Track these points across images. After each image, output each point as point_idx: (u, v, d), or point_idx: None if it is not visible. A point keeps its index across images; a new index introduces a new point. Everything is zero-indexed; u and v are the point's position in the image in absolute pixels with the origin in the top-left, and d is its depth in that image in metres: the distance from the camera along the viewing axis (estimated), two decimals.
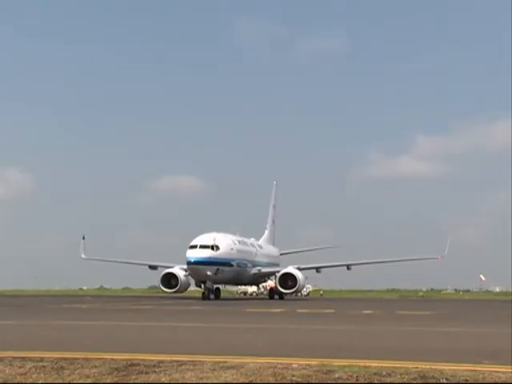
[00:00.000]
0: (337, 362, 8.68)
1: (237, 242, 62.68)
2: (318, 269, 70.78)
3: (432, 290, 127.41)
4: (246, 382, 7.25)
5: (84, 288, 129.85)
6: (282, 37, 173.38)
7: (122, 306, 37.70)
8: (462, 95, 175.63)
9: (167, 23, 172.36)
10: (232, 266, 59.21)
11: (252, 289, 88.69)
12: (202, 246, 55.57)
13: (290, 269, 62.74)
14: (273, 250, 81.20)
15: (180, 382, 7.36)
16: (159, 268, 64.95)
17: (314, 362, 8.71)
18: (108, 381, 7.38)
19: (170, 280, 59.28)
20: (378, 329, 18.18)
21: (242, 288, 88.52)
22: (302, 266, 66.48)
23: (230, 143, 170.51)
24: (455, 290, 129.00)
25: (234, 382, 7.27)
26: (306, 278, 68.34)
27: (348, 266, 69.70)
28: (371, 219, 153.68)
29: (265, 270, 67.81)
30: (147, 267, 67.85)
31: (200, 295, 59.82)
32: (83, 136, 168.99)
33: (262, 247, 74.33)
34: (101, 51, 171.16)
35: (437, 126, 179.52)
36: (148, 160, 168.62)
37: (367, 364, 8.54)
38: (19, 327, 18.37)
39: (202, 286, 56.43)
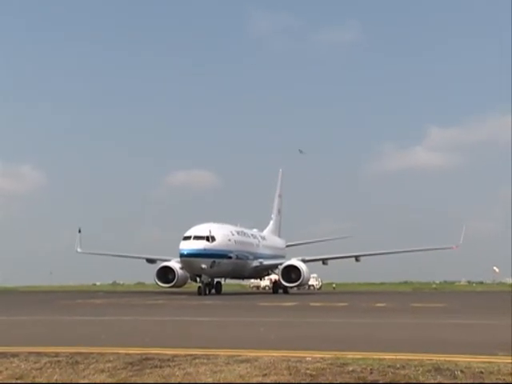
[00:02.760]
0: (351, 355, 8.67)
1: (235, 233, 58.74)
2: (324, 260, 66.35)
3: (445, 282, 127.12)
4: (260, 375, 7.24)
5: (97, 283, 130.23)
6: (295, 29, 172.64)
7: (135, 301, 37.84)
8: (476, 87, 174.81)
9: (177, 17, 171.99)
10: (230, 258, 55.27)
11: (265, 282, 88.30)
12: (197, 237, 51.35)
13: (294, 261, 59.10)
14: (278, 242, 77.01)
15: (194, 375, 7.36)
16: (158, 262, 61.50)
17: (327, 355, 8.71)
18: (123, 375, 7.40)
19: (166, 274, 56.40)
20: (391, 321, 18.14)
21: (255, 282, 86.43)
22: (307, 258, 62.76)
23: (240, 137, 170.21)
24: (468, 282, 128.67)
25: (248, 375, 7.27)
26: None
27: (356, 258, 65.04)
28: (384, 212, 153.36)
29: (267, 262, 63.26)
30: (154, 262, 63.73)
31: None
32: (93, 133, 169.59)
33: (264, 238, 70.22)
34: (111, 47, 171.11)
35: (450, 117, 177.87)
36: (157, 156, 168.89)
37: (381, 357, 8.53)
38: (34, 323, 18.47)
39: (198, 279, 52.61)
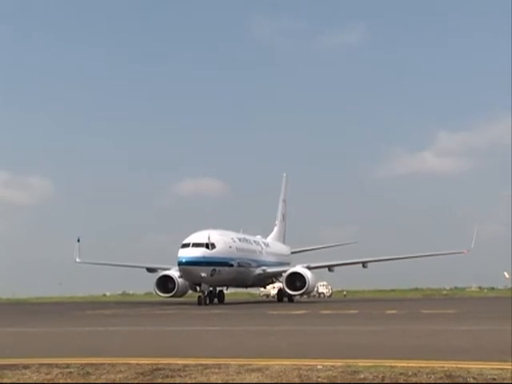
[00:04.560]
0: (362, 363, 8.64)
1: (237, 240, 55.90)
2: (330, 267, 63.29)
3: (456, 288, 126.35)
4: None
5: (107, 294, 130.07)
6: (300, 31, 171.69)
7: (144, 311, 37.91)
8: (484, 89, 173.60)
9: (180, 19, 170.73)
10: (232, 265, 52.54)
11: (274, 291, 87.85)
12: (195, 245, 48.46)
13: (298, 268, 56.36)
14: (282, 249, 73.91)
15: None
16: (159, 270, 58.90)
17: (339, 362, 8.69)
18: None
19: (166, 283, 53.65)
20: (402, 328, 18.09)
21: (265, 290, 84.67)
22: (313, 265, 59.98)
23: (244, 142, 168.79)
24: (479, 287, 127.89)
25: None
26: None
27: (363, 264, 62.00)
28: (393, 216, 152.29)
29: (270, 269, 60.65)
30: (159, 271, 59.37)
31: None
32: (98, 140, 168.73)
33: (268, 245, 67.14)
34: (112, 51, 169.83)
35: (458, 121, 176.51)
36: (163, 164, 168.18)
37: (393, 364, 8.51)
38: (45, 334, 18.54)
39: (198, 289, 49.70)
